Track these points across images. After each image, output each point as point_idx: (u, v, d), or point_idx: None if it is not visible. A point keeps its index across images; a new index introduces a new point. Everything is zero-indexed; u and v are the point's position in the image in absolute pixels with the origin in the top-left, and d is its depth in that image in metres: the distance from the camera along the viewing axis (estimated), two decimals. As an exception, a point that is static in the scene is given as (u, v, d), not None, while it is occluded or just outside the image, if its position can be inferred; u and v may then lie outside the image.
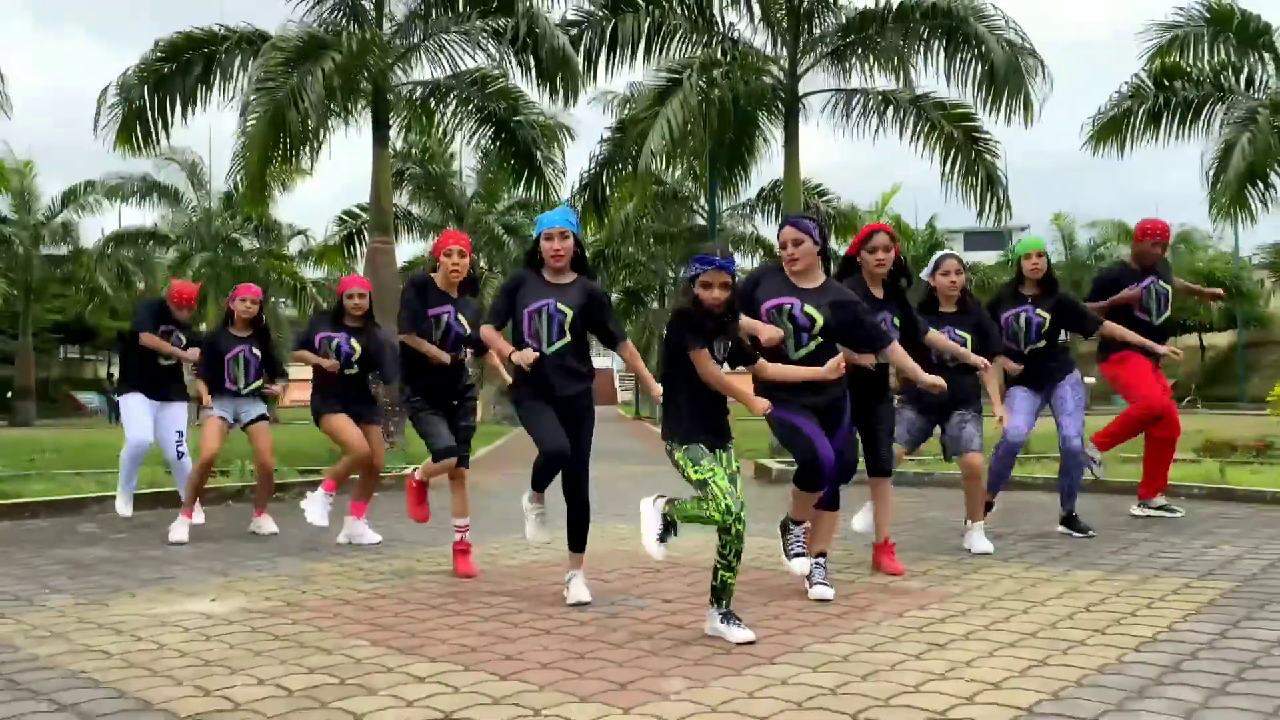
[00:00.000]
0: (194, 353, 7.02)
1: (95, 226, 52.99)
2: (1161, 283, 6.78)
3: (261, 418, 7.06)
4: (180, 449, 7.22)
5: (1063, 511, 6.42)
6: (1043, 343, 6.22)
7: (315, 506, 6.02)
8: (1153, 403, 6.66)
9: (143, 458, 7.29)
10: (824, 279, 4.57)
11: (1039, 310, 6.20)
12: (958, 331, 5.61)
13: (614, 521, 7.29)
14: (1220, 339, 43.90)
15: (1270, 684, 3.16)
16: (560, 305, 4.55)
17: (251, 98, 12.19)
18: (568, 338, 4.55)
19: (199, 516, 7.09)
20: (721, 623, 3.86)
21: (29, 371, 33.13)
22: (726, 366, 3.94)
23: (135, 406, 7.09)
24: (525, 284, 4.62)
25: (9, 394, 33.26)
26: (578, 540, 4.69)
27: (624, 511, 7.75)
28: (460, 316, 5.42)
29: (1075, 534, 6.27)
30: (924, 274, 5.93)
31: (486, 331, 4.67)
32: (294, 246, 33.84)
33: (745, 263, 29.53)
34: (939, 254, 5.97)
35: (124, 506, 7.33)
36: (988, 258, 38.58)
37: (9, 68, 18.16)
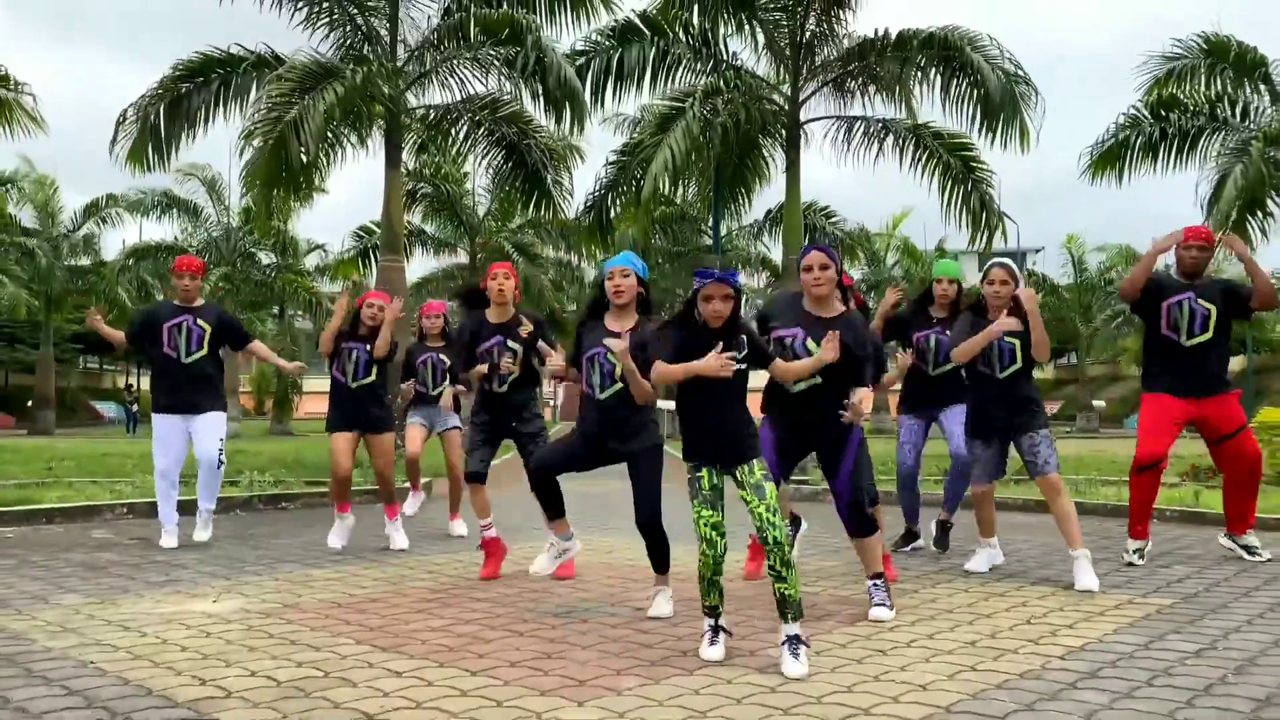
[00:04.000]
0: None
1: (116, 238, 54.83)
2: (1200, 300, 6.07)
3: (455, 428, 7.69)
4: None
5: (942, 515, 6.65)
6: (949, 365, 6.20)
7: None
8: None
9: None
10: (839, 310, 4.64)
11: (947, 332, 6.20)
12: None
13: (600, 534, 7.58)
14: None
15: (1175, 690, 3.44)
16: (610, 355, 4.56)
17: (254, 127, 12.54)
18: (619, 385, 4.58)
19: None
20: (782, 644, 3.72)
21: (49, 381, 33.66)
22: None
23: None
24: (588, 329, 4.74)
25: (29, 403, 33.80)
26: (658, 564, 4.69)
27: (611, 525, 8.05)
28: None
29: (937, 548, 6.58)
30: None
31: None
32: (310, 261, 34.45)
33: (752, 282, 29.99)
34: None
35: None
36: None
37: (32, 77, 18.71)
